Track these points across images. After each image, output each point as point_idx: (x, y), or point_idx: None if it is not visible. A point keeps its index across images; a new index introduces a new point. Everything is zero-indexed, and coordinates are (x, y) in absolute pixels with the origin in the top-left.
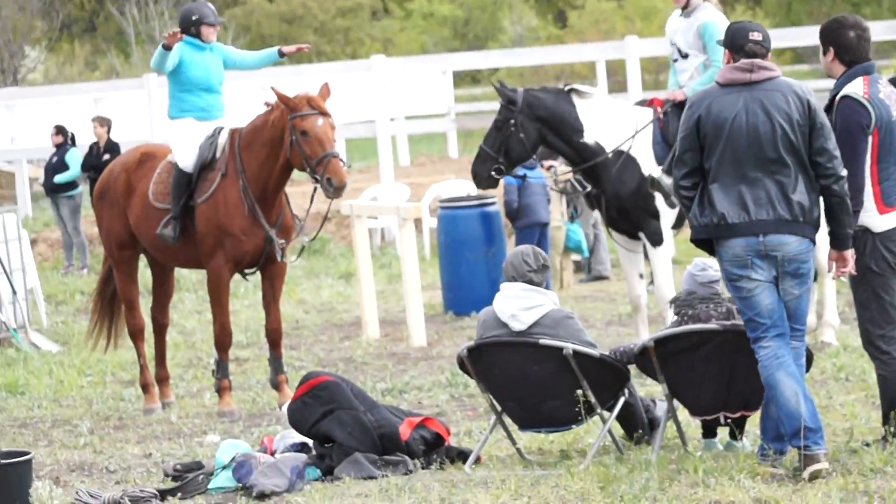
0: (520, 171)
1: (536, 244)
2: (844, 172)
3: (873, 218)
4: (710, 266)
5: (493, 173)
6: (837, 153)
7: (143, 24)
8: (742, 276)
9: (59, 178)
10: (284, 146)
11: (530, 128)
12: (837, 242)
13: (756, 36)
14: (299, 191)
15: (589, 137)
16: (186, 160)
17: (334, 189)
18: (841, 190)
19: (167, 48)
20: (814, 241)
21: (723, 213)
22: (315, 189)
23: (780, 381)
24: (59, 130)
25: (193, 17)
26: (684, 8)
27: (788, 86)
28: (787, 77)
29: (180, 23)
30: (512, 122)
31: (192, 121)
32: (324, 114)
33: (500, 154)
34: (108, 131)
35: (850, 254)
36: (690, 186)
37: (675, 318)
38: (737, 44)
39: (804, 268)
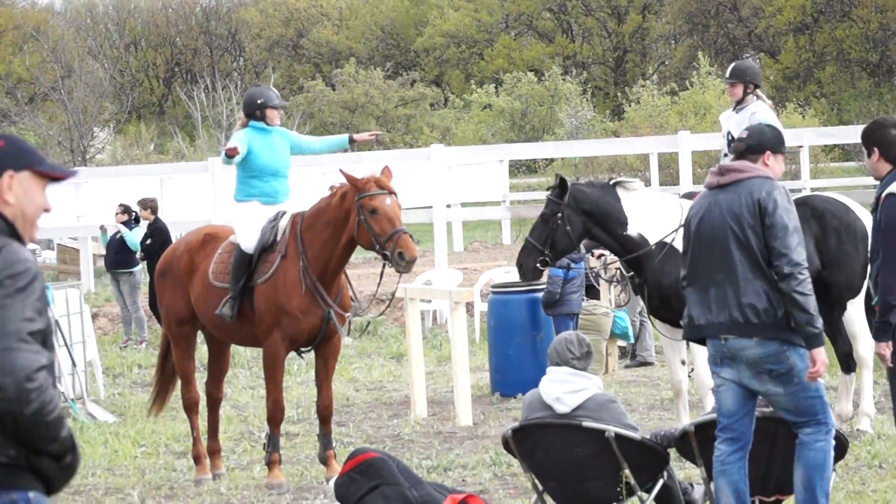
0: (563, 261)
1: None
2: (792, 269)
3: None
4: None
5: (538, 265)
6: (789, 251)
7: (210, 108)
8: (714, 373)
9: (130, 240)
10: (350, 226)
11: (576, 221)
12: (804, 340)
13: (742, 133)
14: (354, 273)
15: (632, 230)
16: (249, 242)
17: (406, 263)
18: (788, 287)
19: (229, 156)
20: (789, 342)
21: (691, 315)
22: (384, 266)
23: (719, 488)
24: (125, 209)
25: (259, 101)
26: (738, 103)
27: (750, 186)
28: (765, 178)
29: (245, 106)
30: (559, 215)
31: (258, 204)
32: (391, 193)
33: (545, 246)
34: (153, 213)
35: (817, 353)
36: (685, 286)
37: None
38: (732, 146)
39: (779, 368)
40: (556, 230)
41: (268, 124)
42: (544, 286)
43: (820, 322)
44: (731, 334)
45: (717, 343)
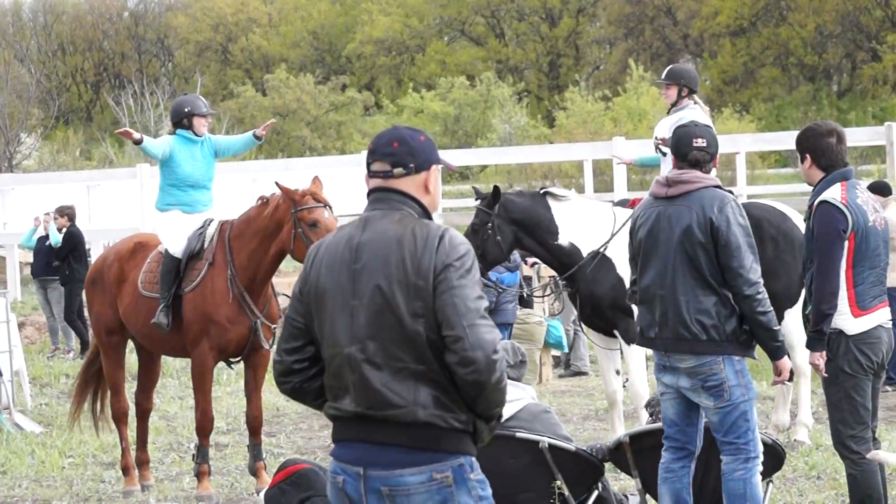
0: (493, 275)
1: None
2: (751, 291)
3: (847, 321)
4: None
5: None
6: (745, 271)
7: (139, 114)
8: (658, 378)
9: (54, 238)
10: (281, 237)
11: (507, 231)
12: (768, 354)
13: (700, 143)
14: (285, 282)
15: (563, 239)
16: (176, 247)
17: None
18: (749, 309)
19: (136, 143)
20: (727, 354)
21: (641, 327)
22: None
23: (661, 496)
24: (63, 213)
25: (185, 109)
26: (672, 106)
27: (700, 200)
28: (715, 188)
29: (172, 115)
30: (489, 225)
31: (179, 213)
32: (328, 206)
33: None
34: (70, 220)
35: (784, 363)
36: (634, 292)
37: (650, 418)
38: (681, 151)
39: (711, 381)
40: (486, 240)
41: (196, 133)
42: None
43: (782, 334)
44: (677, 351)
45: (660, 354)
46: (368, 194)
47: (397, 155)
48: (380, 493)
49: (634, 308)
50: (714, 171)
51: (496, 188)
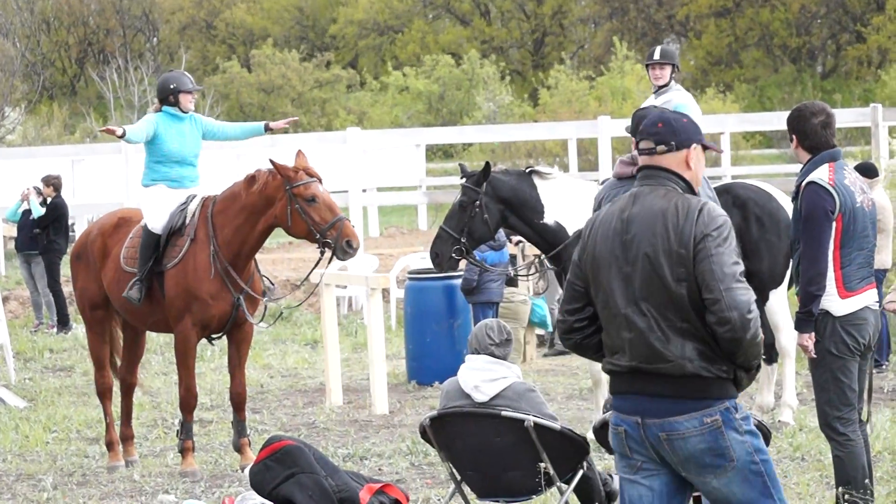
0: (477, 254)
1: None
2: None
3: (834, 302)
4: None
5: (453, 255)
6: None
7: (123, 89)
8: None
9: (36, 209)
10: (272, 214)
11: (493, 209)
12: None
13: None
14: (268, 258)
15: (549, 218)
16: (156, 222)
17: (354, 250)
18: None
19: (120, 137)
20: None
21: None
22: (323, 254)
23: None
24: (49, 182)
25: (171, 86)
26: (661, 87)
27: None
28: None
29: (158, 91)
30: (476, 202)
31: (164, 188)
32: (320, 180)
33: (462, 235)
34: (56, 190)
35: None
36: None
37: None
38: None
39: None
40: (473, 218)
41: (182, 110)
42: (460, 273)
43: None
44: None
45: None
46: (637, 171)
47: (660, 134)
48: (658, 438)
49: None
50: None
51: (487, 165)
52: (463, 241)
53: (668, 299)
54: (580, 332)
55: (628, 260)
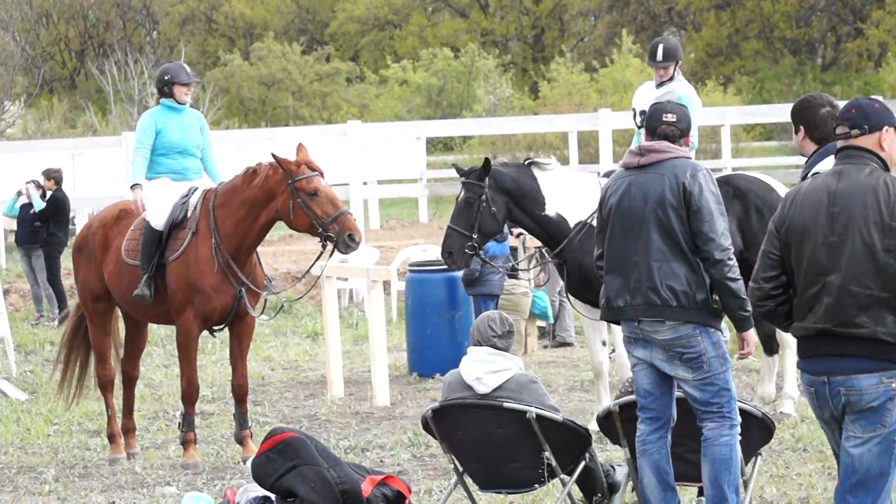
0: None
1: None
2: (722, 256)
3: None
4: None
5: (466, 251)
6: (716, 236)
7: (123, 83)
8: (628, 352)
9: (37, 202)
10: (273, 207)
11: (499, 202)
12: (735, 324)
13: (670, 118)
14: (269, 251)
15: (551, 210)
16: (158, 219)
17: (356, 244)
18: (719, 274)
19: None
20: (705, 325)
21: (608, 297)
22: (325, 247)
23: (641, 469)
24: (37, 185)
25: (166, 77)
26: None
27: (672, 168)
28: (686, 158)
29: (156, 82)
30: (483, 197)
31: (167, 181)
32: (322, 174)
33: (472, 231)
34: (57, 183)
35: (748, 335)
36: (600, 266)
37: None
38: (651, 126)
39: (689, 353)
40: (481, 213)
41: (177, 101)
42: None
43: (749, 305)
44: (648, 317)
45: (632, 325)
46: (837, 152)
47: (854, 119)
48: (839, 393)
49: None
50: (692, 148)
51: (487, 160)
52: (474, 237)
53: (872, 269)
54: (774, 299)
55: (835, 231)
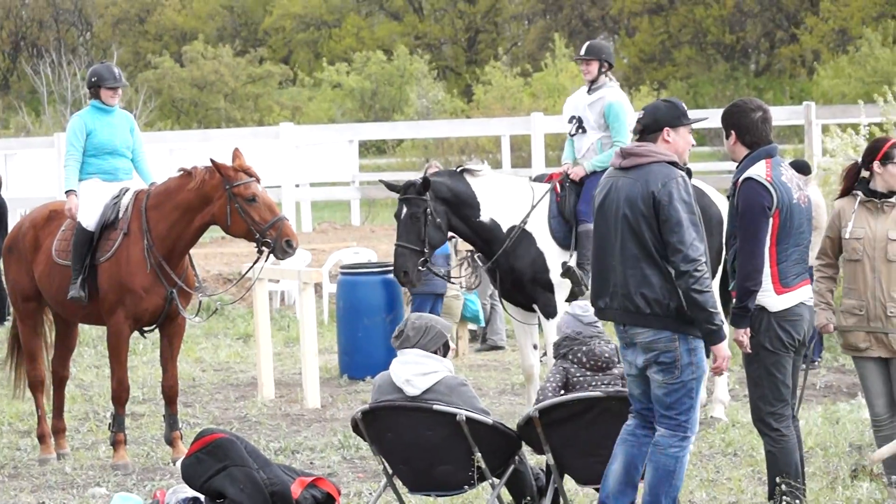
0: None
1: (431, 312)
2: (688, 267)
3: (770, 297)
4: (590, 307)
5: (419, 268)
6: (684, 247)
7: (56, 83)
8: (623, 357)
9: None
10: (209, 212)
11: (441, 212)
12: (703, 337)
13: (639, 116)
14: (202, 252)
15: (485, 216)
16: (89, 219)
17: (293, 250)
18: (685, 285)
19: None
20: (680, 332)
21: (592, 297)
22: (262, 253)
23: (614, 455)
24: None
25: (94, 80)
26: (592, 83)
27: (647, 174)
28: (664, 164)
29: (86, 84)
30: (427, 210)
31: (98, 181)
32: (259, 180)
33: (424, 246)
34: None
35: (718, 350)
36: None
37: (564, 359)
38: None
39: (665, 358)
40: (427, 225)
41: (105, 104)
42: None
43: (720, 318)
44: (631, 323)
45: (619, 328)
46: None
47: None
48: None
49: (555, 280)
50: (685, 139)
51: (426, 178)
52: (426, 251)
53: None
54: None
55: None
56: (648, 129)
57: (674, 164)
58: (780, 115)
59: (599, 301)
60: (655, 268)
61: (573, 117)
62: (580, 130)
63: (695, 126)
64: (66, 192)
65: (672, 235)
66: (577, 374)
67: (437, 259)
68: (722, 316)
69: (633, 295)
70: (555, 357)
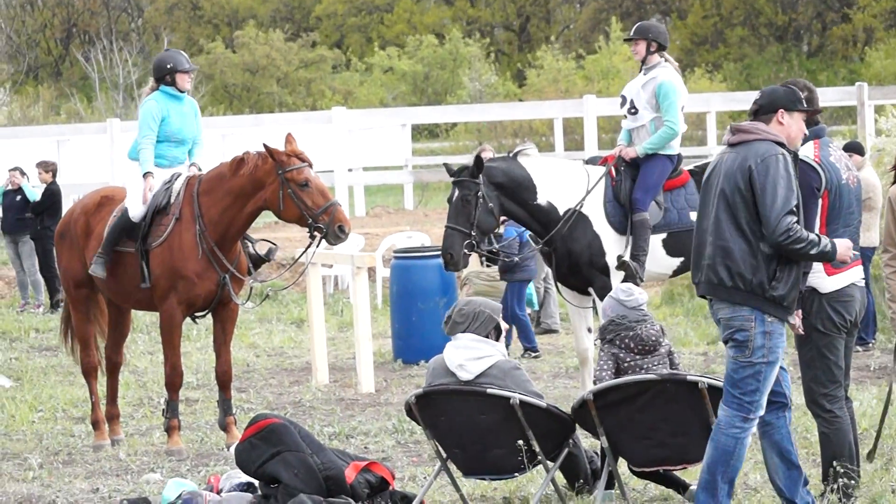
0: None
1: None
2: (780, 239)
3: (821, 279)
4: (634, 290)
5: (466, 251)
6: (775, 220)
7: (108, 70)
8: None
9: (30, 192)
10: (262, 197)
11: (493, 196)
12: (826, 262)
13: (756, 96)
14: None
15: (542, 198)
16: (136, 210)
17: (346, 235)
18: (786, 250)
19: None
20: (759, 309)
21: (692, 277)
22: (314, 238)
23: (764, 450)
24: (22, 172)
25: (168, 66)
26: (643, 63)
27: (749, 150)
28: (769, 142)
29: (155, 71)
30: (479, 194)
31: (156, 169)
32: (311, 165)
33: (471, 228)
34: (53, 175)
35: (841, 255)
36: None
37: (612, 344)
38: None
39: (739, 335)
40: (478, 210)
41: (179, 89)
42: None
43: (823, 242)
44: (715, 296)
45: (710, 305)
46: None
47: None
48: None
49: (611, 263)
50: (799, 124)
51: (478, 157)
52: (473, 234)
53: None
54: None
55: None
56: (763, 109)
57: (780, 144)
58: (833, 97)
59: (695, 276)
60: (744, 241)
61: (626, 98)
62: (633, 112)
63: (748, 108)
64: (144, 175)
65: (765, 208)
66: (628, 360)
67: (531, 244)
68: (823, 241)
69: (718, 266)
70: (601, 339)
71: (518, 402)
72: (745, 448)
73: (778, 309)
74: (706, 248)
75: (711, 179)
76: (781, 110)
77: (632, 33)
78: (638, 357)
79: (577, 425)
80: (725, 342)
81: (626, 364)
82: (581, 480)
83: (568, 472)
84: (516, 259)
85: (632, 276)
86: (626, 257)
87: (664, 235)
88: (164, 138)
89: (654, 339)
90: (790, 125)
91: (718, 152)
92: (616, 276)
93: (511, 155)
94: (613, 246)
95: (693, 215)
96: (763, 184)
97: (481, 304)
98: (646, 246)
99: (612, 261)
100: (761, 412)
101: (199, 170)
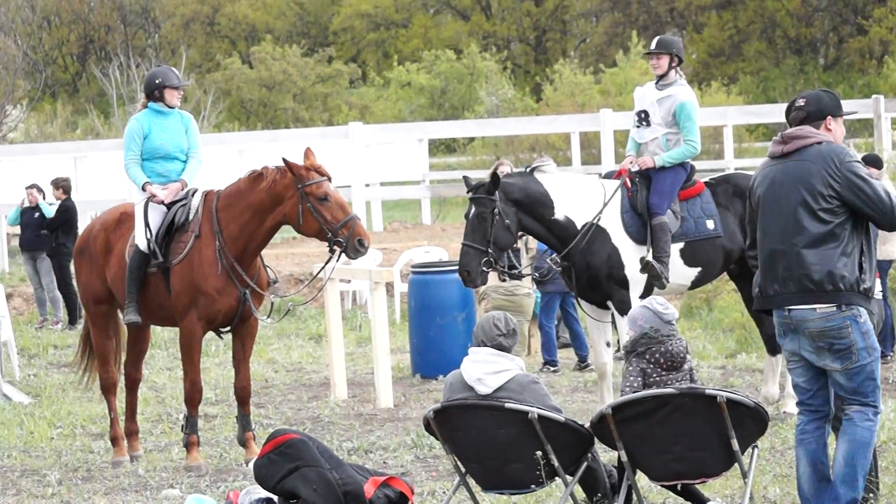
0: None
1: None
2: (890, 219)
3: None
4: (669, 304)
5: (483, 268)
6: (883, 205)
7: (125, 86)
8: (783, 346)
9: (46, 210)
10: (281, 212)
11: (510, 213)
12: None
13: (800, 102)
14: (272, 253)
15: (559, 213)
16: (143, 239)
17: (365, 249)
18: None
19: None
20: (860, 306)
21: (761, 286)
22: (334, 252)
23: (797, 458)
24: (39, 189)
25: (157, 81)
26: (661, 78)
27: (817, 154)
28: (829, 143)
29: (145, 87)
30: (496, 210)
31: (155, 186)
32: (330, 179)
33: (488, 246)
34: (65, 192)
35: None
36: (753, 256)
37: (640, 358)
38: (788, 115)
39: (839, 344)
40: (495, 227)
41: (167, 105)
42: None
43: None
44: (800, 303)
45: (782, 314)
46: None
47: None
48: None
49: (631, 276)
50: (841, 129)
51: (495, 174)
52: (490, 251)
53: None
54: None
55: None
56: (812, 116)
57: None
58: (849, 109)
59: (769, 289)
60: (835, 242)
61: (639, 111)
62: (644, 123)
63: (764, 121)
64: (143, 187)
65: (864, 197)
66: (654, 375)
67: (543, 255)
68: None
69: (812, 273)
70: (626, 351)
71: (536, 416)
72: (874, 442)
73: (868, 301)
74: (785, 259)
75: (774, 194)
76: (829, 117)
77: (654, 47)
78: (664, 373)
79: (595, 439)
80: (814, 354)
81: (651, 379)
82: (600, 495)
83: (587, 487)
84: (541, 272)
85: (657, 277)
86: (649, 258)
87: (682, 245)
88: (150, 154)
89: (682, 355)
90: (836, 130)
91: (761, 164)
92: (635, 289)
93: (528, 170)
94: (632, 257)
95: (710, 224)
96: (850, 180)
97: (507, 319)
98: (667, 248)
99: (631, 273)
100: (881, 405)
101: (187, 185)
